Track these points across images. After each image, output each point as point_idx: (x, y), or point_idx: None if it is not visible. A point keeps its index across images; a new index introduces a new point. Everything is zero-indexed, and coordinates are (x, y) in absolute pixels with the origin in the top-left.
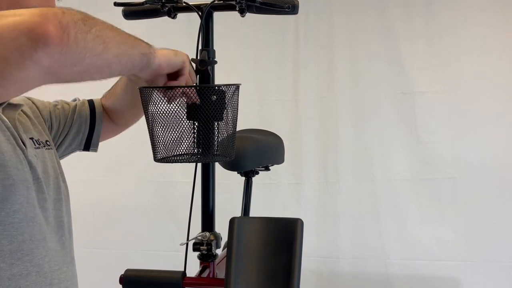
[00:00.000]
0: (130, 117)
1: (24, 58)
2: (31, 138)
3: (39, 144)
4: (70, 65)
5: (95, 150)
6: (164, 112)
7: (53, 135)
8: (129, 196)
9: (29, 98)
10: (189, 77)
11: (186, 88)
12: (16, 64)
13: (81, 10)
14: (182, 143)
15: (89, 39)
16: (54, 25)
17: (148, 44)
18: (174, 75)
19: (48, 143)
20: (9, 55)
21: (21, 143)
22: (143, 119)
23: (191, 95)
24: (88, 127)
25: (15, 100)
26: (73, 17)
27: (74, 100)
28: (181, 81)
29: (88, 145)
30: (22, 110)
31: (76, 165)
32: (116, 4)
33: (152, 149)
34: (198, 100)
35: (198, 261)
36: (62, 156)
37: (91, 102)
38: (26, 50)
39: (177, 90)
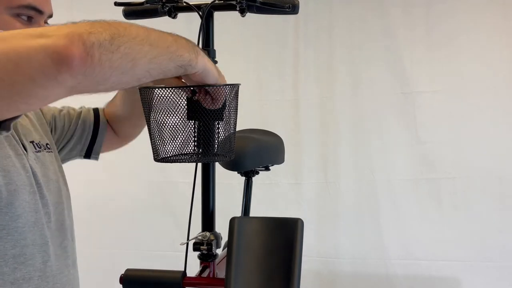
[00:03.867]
0: (130, 128)
1: (49, 79)
2: (32, 142)
3: (40, 147)
4: (94, 84)
5: (96, 158)
6: (164, 112)
7: (55, 138)
8: (129, 196)
9: None
10: None
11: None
12: (42, 84)
13: (115, 23)
14: (183, 143)
15: (115, 59)
16: (78, 47)
17: (193, 48)
18: None
19: (48, 146)
20: (36, 76)
21: (22, 148)
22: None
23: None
24: (91, 134)
25: None
26: (99, 38)
27: (81, 108)
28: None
29: (90, 152)
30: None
31: (76, 165)
32: (116, 4)
33: (152, 149)
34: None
35: (198, 261)
36: (63, 161)
37: (96, 110)
38: (51, 72)
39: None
